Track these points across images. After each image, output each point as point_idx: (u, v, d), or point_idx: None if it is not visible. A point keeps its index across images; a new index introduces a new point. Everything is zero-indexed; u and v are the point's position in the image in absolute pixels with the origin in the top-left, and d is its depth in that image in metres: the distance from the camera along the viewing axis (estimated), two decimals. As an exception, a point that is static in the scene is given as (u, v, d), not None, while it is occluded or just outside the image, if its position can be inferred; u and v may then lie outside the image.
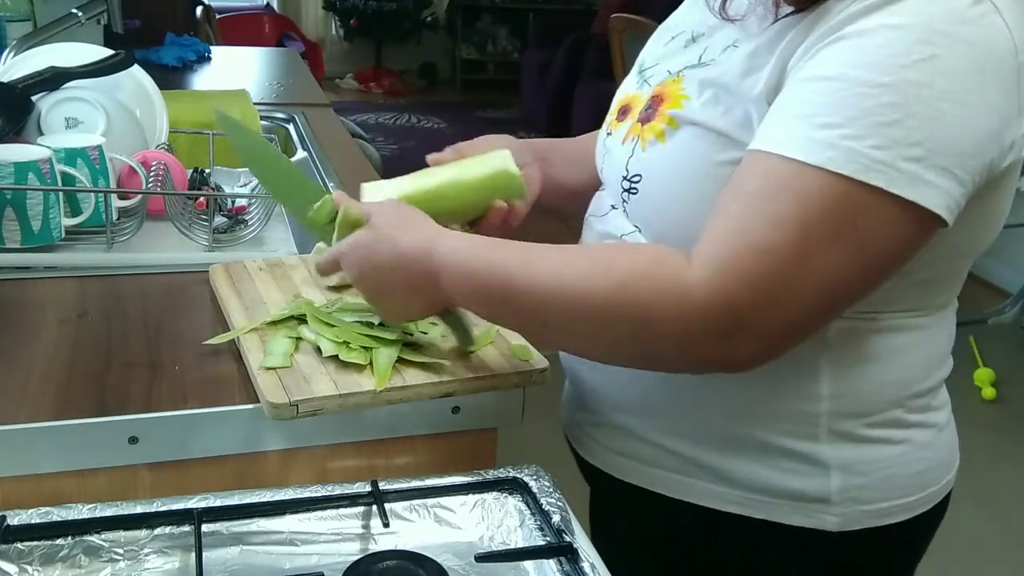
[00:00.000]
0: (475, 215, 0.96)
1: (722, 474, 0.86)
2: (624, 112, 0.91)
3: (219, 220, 1.29)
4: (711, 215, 0.75)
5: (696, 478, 0.88)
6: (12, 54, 1.54)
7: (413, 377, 0.88)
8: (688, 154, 0.80)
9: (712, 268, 0.70)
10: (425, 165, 0.98)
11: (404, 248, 0.83)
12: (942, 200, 0.69)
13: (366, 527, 0.80)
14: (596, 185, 1.00)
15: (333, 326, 0.93)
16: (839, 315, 0.76)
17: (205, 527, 0.76)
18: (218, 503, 0.78)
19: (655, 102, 0.84)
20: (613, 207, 0.90)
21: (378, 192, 0.96)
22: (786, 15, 0.76)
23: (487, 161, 0.95)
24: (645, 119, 0.84)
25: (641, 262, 0.75)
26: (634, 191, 0.84)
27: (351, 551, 0.78)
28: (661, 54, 0.91)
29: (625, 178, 0.85)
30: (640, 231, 0.86)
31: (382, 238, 0.84)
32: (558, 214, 1.07)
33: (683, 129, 0.80)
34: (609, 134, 0.92)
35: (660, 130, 0.82)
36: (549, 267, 0.77)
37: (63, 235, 1.21)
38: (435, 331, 0.96)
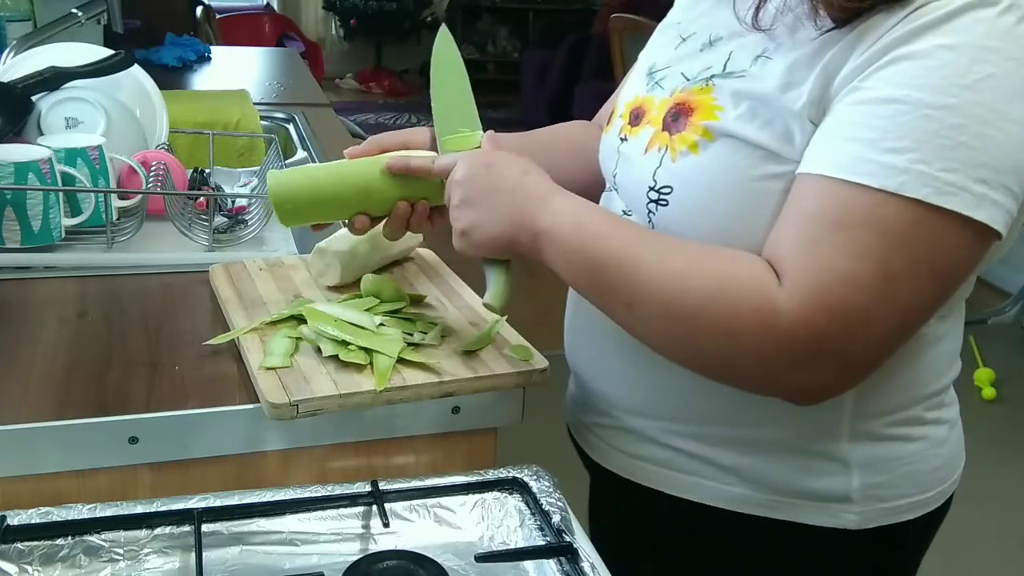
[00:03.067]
0: (382, 211, 0.95)
1: (743, 476, 0.86)
2: (637, 116, 0.90)
3: (219, 220, 1.29)
4: (751, 229, 0.76)
5: (715, 481, 0.88)
6: (12, 54, 1.54)
7: (413, 377, 0.88)
8: (724, 167, 0.79)
9: (800, 298, 0.70)
10: None
11: (529, 181, 0.84)
12: (1003, 218, 0.70)
13: (366, 527, 0.80)
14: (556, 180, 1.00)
15: (334, 322, 0.93)
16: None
17: (205, 527, 0.75)
18: (218, 503, 0.78)
19: (682, 111, 0.83)
20: (626, 212, 0.89)
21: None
22: (828, 30, 0.75)
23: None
24: (674, 129, 0.83)
25: (739, 273, 0.74)
26: (663, 202, 0.83)
27: (351, 551, 0.78)
28: (672, 56, 0.90)
29: (652, 188, 0.84)
30: None
31: (515, 163, 0.86)
32: None
33: (719, 141, 0.79)
34: (624, 139, 0.90)
35: (693, 141, 0.81)
36: (652, 251, 0.77)
37: (63, 235, 1.21)
38: (435, 331, 0.96)
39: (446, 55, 1.01)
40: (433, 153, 0.96)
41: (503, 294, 0.89)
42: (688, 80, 0.85)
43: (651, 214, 0.84)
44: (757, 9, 0.80)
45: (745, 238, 0.77)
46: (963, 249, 0.71)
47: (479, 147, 0.93)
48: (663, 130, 0.84)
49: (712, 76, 0.82)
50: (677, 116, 0.83)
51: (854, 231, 0.70)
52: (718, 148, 0.79)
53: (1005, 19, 0.69)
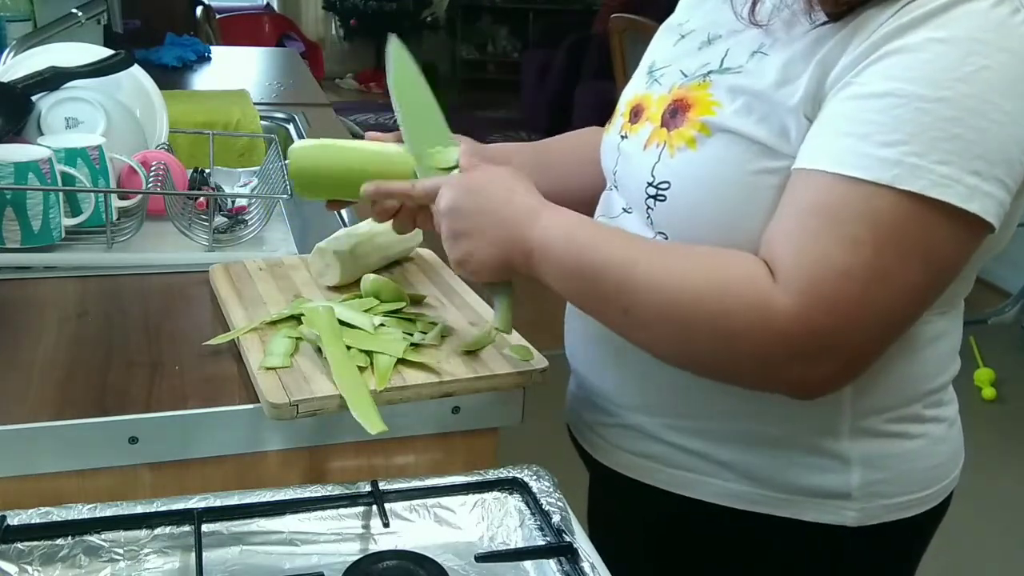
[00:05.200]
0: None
1: (743, 472, 0.86)
2: (636, 114, 0.90)
3: (219, 220, 1.29)
4: (747, 224, 0.76)
5: (715, 477, 0.88)
6: (12, 54, 1.54)
7: (413, 377, 0.88)
8: (721, 162, 0.79)
9: (795, 292, 0.70)
10: None
11: (515, 200, 0.84)
12: (996, 209, 0.71)
13: (366, 527, 0.80)
14: (574, 188, 0.99)
15: (336, 327, 0.93)
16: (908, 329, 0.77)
17: (205, 527, 0.75)
18: (218, 503, 0.78)
19: (680, 107, 0.83)
20: (626, 210, 0.90)
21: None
22: (821, 24, 0.75)
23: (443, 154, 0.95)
24: (672, 124, 0.83)
25: (734, 272, 0.74)
26: (661, 198, 0.83)
27: (351, 551, 0.78)
28: (672, 55, 0.90)
29: (651, 184, 0.84)
30: (666, 238, 0.85)
31: (498, 181, 0.86)
32: None
33: (716, 136, 0.79)
34: (624, 137, 0.91)
35: (691, 136, 0.81)
36: (647, 255, 0.77)
37: (63, 235, 1.21)
38: (435, 331, 0.96)
39: (403, 68, 1.01)
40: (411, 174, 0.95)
41: (510, 317, 0.91)
42: (686, 77, 0.86)
43: (649, 210, 0.85)
44: (754, 3, 0.81)
45: (742, 233, 0.77)
46: (956, 241, 0.71)
47: (457, 164, 0.93)
48: (661, 126, 0.85)
49: (709, 72, 0.83)
50: (675, 112, 0.84)
51: (848, 224, 0.70)
52: (715, 143, 0.79)
53: (998, 11, 0.70)
